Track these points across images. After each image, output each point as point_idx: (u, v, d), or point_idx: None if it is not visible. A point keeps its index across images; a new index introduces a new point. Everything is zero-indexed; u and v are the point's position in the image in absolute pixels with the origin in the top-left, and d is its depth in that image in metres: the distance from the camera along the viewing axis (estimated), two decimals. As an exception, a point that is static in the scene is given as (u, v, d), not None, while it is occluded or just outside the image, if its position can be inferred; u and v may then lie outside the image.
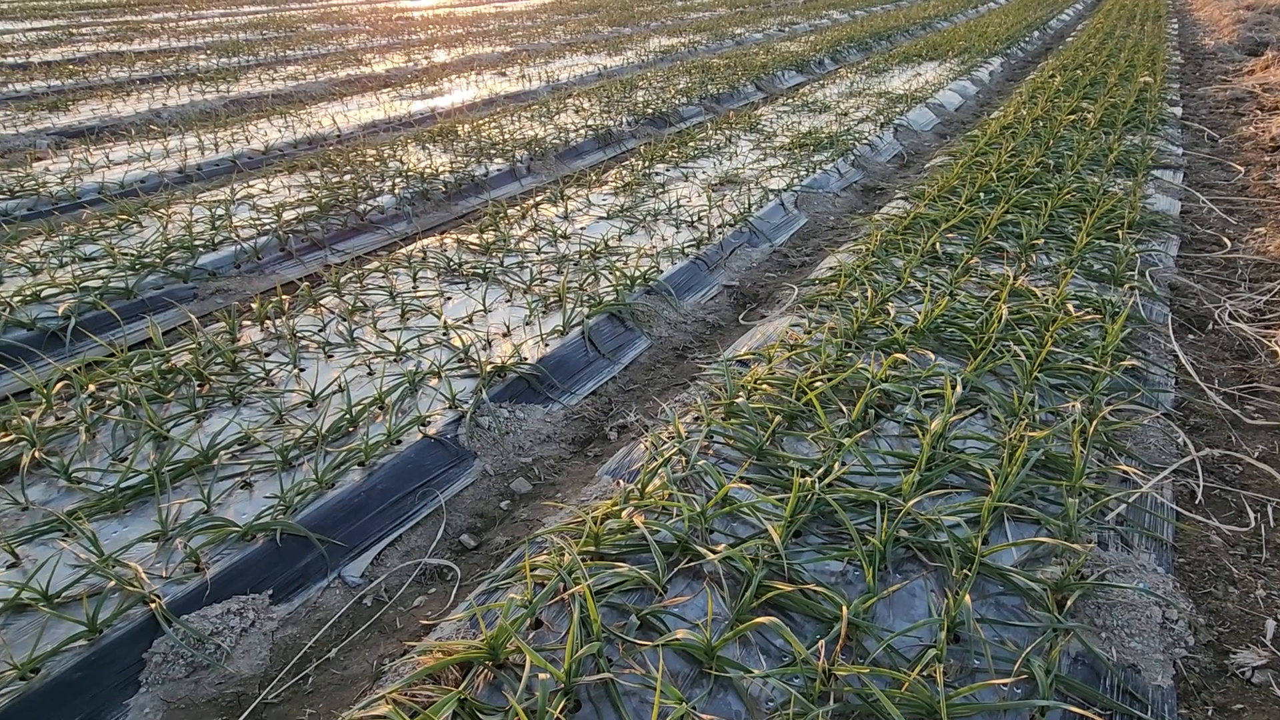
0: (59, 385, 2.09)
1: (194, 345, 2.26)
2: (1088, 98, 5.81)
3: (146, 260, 2.85)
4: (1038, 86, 6.25)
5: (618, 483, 1.82)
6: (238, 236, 3.12)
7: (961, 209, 3.40)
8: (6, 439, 1.86)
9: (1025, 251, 3.02)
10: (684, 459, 1.81)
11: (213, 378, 2.14)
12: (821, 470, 1.73)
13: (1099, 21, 10.89)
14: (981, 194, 3.63)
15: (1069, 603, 1.43)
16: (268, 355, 2.29)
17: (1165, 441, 2.00)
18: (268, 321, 2.47)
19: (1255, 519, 1.75)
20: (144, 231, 3.18)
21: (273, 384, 2.14)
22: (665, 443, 1.89)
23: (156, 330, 2.33)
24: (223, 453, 1.83)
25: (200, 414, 1.99)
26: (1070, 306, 2.50)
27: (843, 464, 1.78)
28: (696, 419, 2.01)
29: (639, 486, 1.69)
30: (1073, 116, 5.19)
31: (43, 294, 2.58)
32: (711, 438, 1.91)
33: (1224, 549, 1.68)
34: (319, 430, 1.89)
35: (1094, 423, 1.91)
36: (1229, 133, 5.39)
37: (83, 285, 2.65)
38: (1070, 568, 1.48)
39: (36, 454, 1.81)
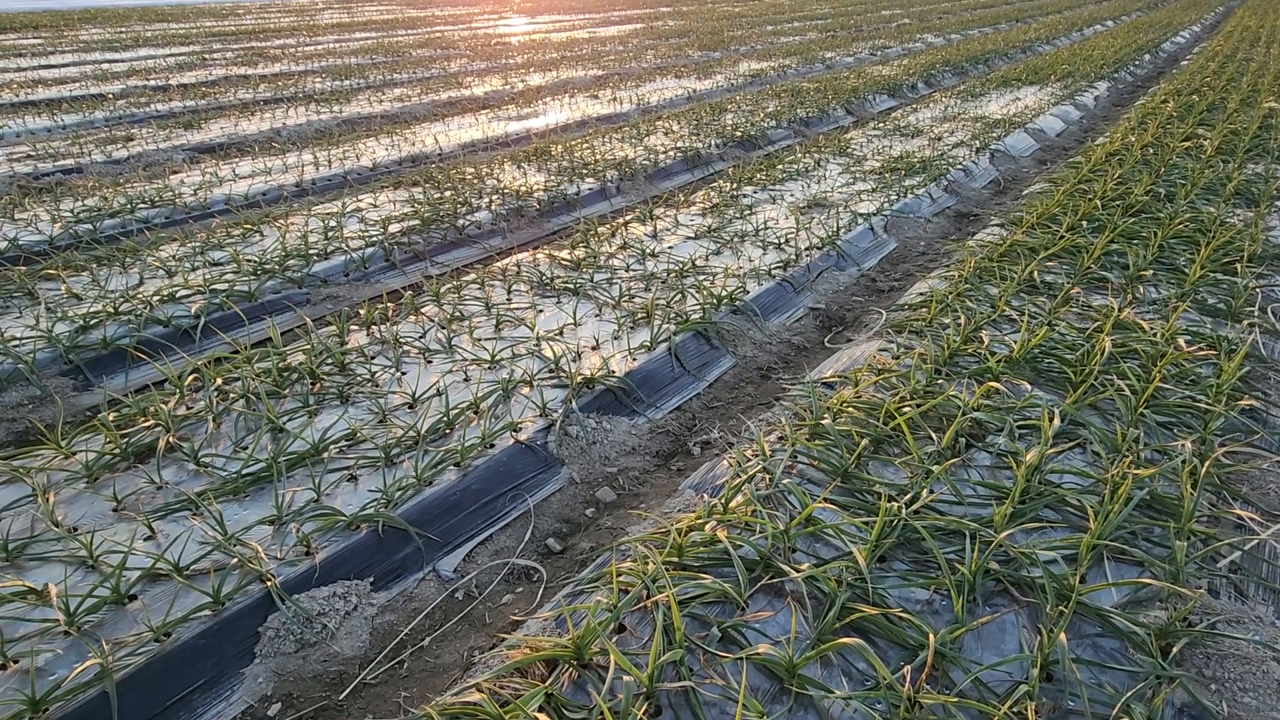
0: (190, 378, 2.29)
1: (307, 346, 2.43)
2: (1204, 124, 5.51)
3: (267, 267, 3.08)
4: (1148, 112, 5.96)
5: (701, 496, 1.84)
6: (347, 247, 3.33)
7: (1062, 237, 3.28)
8: (146, 424, 2.05)
9: (1131, 283, 2.89)
10: (768, 477, 1.82)
11: (324, 377, 2.29)
12: (908, 496, 1.71)
13: (1218, 44, 10.30)
14: (1084, 222, 3.49)
15: (1174, 650, 1.36)
16: (373, 358, 2.43)
17: (1287, 488, 1.88)
18: (373, 327, 2.63)
19: (1390, 577, 1.62)
20: (265, 240, 3.44)
21: (377, 385, 2.27)
22: (749, 460, 1.90)
23: (275, 331, 2.51)
24: (331, 447, 1.96)
25: (312, 410, 2.13)
26: (1181, 341, 2.38)
27: (931, 491, 1.75)
28: (780, 438, 2.02)
29: (723, 501, 1.72)
30: (1187, 144, 4.93)
31: (177, 295, 2.82)
32: (795, 457, 1.91)
33: (1353, 607, 1.56)
34: (419, 431, 2.00)
35: (1206, 464, 1.81)
36: (1367, 162, 4.98)
37: (211, 288, 2.88)
38: (1177, 614, 1.41)
39: (171, 439, 1.98)
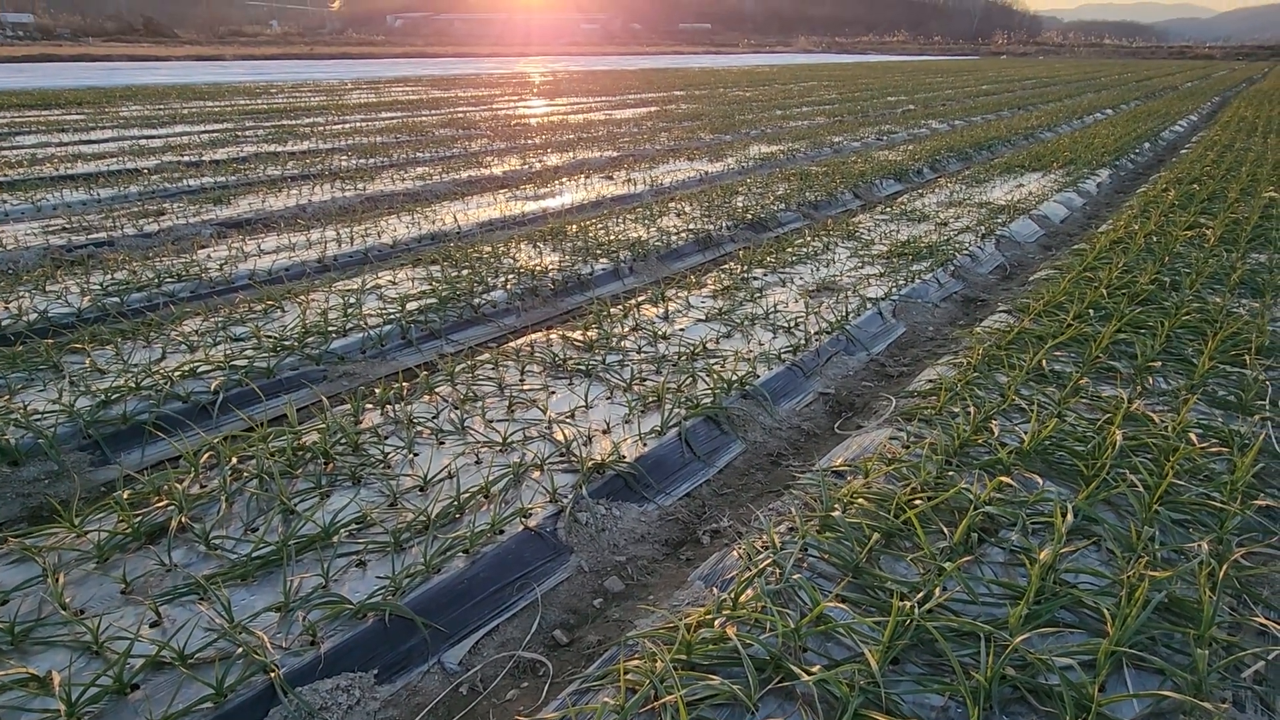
0: (205, 455, 2.31)
1: (322, 425, 2.46)
2: (1206, 213, 5.62)
3: (286, 343, 3.14)
4: (1150, 200, 6.10)
5: (710, 590, 1.82)
6: (365, 324, 3.41)
7: (1070, 325, 3.32)
8: (160, 504, 2.06)
9: (1140, 373, 2.90)
10: (778, 571, 1.80)
11: (336, 457, 2.31)
12: (921, 595, 1.69)
13: (1216, 134, 10.59)
14: (1091, 310, 3.53)
15: (1200, 768, 1.32)
16: (386, 438, 2.46)
17: (1308, 593, 1.84)
18: (388, 406, 2.66)
19: None
20: (285, 316, 3.52)
21: (389, 467, 2.29)
22: (759, 552, 1.89)
23: (291, 409, 2.55)
24: (341, 530, 1.96)
25: (324, 491, 2.15)
26: (1193, 436, 2.37)
27: (944, 590, 1.73)
28: (790, 529, 2.01)
29: (732, 596, 1.70)
30: (1190, 232, 5.02)
31: (198, 370, 2.88)
32: (806, 550, 1.90)
33: (1385, 724, 1.50)
34: (429, 515, 2.00)
35: (1224, 566, 1.78)
36: (1370, 253, 5.05)
37: (231, 364, 2.94)
38: (1200, 728, 1.37)
39: (183, 519, 1.99)
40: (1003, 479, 2.11)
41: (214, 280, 4.09)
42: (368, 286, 3.95)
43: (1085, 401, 2.69)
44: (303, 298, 3.77)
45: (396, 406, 2.66)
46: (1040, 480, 2.18)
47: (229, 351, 3.08)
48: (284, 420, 2.57)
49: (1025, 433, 2.38)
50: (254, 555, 1.85)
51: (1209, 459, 2.29)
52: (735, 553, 1.94)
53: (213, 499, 2.11)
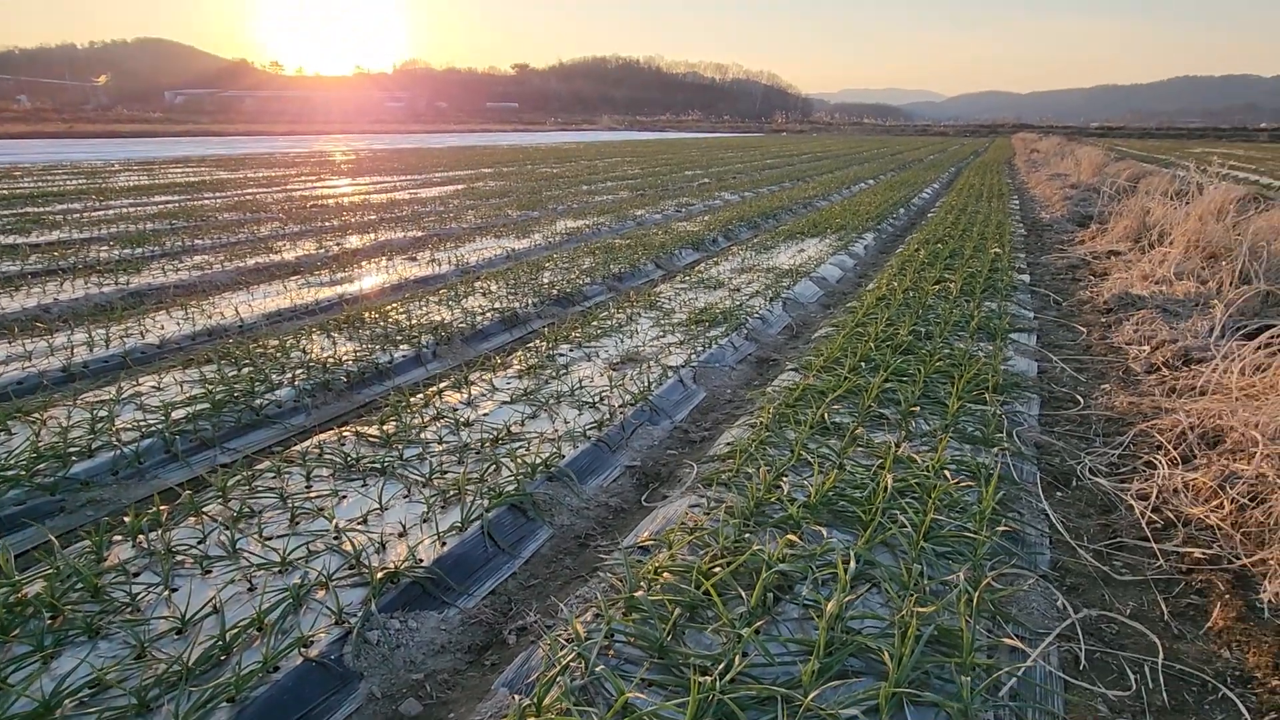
0: (-119, 630, 1.86)
1: (51, 570, 2.08)
2: (949, 268, 6.51)
3: (8, 474, 2.66)
4: (905, 259, 6.97)
5: (514, 696, 1.72)
6: (119, 440, 2.98)
7: (846, 379, 3.65)
8: None
9: (905, 418, 3.23)
10: (582, 664, 1.75)
11: (68, 608, 1.96)
12: (722, 665, 1.71)
13: (953, 199, 12.43)
14: (863, 363, 3.91)
15: (971, 796, 1.41)
16: (136, 575, 2.12)
17: (1046, 605, 2.09)
18: (141, 536, 2.32)
19: (1135, 681, 1.82)
20: (12, 440, 3.00)
21: (139, 609, 1.97)
22: (564, 646, 1.83)
23: (8, 557, 2.14)
24: (67, 700, 1.64)
25: (48, 654, 1.80)
26: (947, 472, 2.66)
27: (744, 655, 1.76)
28: (597, 615, 1.97)
29: (535, 700, 1.62)
30: (938, 286, 5.77)
31: (-119, 519, 2.35)
32: (612, 636, 1.87)
33: (1111, 718, 1.72)
34: (185, 662, 1.74)
35: (978, 591, 1.98)
36: (1070, 296, 6.10)
37: (-69, 506, 2.43)
38: (968, 756, 1.48)
39: None
40: (791, 536, 2.22)
41: (-84, 403, 3.41)
42: (125, 395, 3.49)
43: (862, 449, 2.93)
44: (38, 415, 3.24)
45: (152, 535, 2.33)
46: (825, 532, 2.32)
47: (-71, 491, 2.55)
48: None
49: (813, 486, 2.54)
50: (-60, 754, 1.49)
51: (963, 492, 2.57)
52: (541, 650, 1.86)
53: (-113, 687, 1.69)
